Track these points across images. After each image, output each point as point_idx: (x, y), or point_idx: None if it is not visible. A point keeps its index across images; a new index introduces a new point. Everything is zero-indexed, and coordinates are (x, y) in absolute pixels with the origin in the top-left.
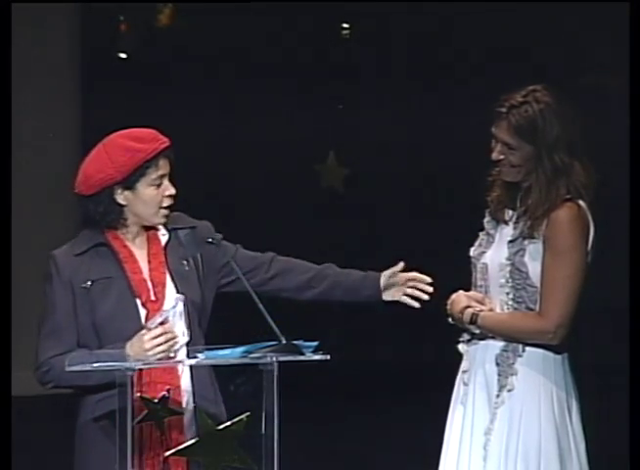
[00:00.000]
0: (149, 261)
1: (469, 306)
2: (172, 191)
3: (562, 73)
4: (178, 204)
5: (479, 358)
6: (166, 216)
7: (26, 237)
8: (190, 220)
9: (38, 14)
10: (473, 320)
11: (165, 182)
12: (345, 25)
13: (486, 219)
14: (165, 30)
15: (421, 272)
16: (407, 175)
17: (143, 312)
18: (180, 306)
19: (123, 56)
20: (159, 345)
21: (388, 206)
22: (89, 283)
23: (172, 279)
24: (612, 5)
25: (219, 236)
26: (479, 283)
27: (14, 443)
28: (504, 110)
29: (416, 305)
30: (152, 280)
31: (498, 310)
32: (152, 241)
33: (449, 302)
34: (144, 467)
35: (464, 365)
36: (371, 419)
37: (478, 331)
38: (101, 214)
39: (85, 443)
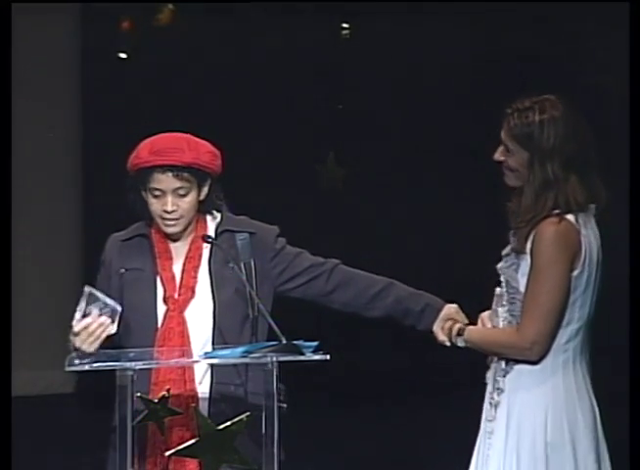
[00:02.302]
0: (183, 263)
1: (457, 321)
2: (167, 207)
3: (562, 73)
4: None
5: (490, 372)
6: (171, 227)
7: (26, 237)
8: (253, 225)
9: (38, 14)
10: (459, 333)
11: (167, 197)
12: (345, 25)
13: (511, 232)
14: (165, 30)
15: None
16: (407, 176)
17: (163, 308)
18: (89, 295)
19: (123, 56)
20: (85, 340)
21: (388, 206)
22: (122, 270)
23: (211, 282)
24: (612, 5)
25: (244, 236)
26: (501, 296)
27: (14, 443)
28: (509, 112)
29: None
30: (181, 281)
31: (501, 323)
32: (194, 242)
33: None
34: (146, 467)
35: (487, 378)
36: (370, 420)
37: (462, 345)
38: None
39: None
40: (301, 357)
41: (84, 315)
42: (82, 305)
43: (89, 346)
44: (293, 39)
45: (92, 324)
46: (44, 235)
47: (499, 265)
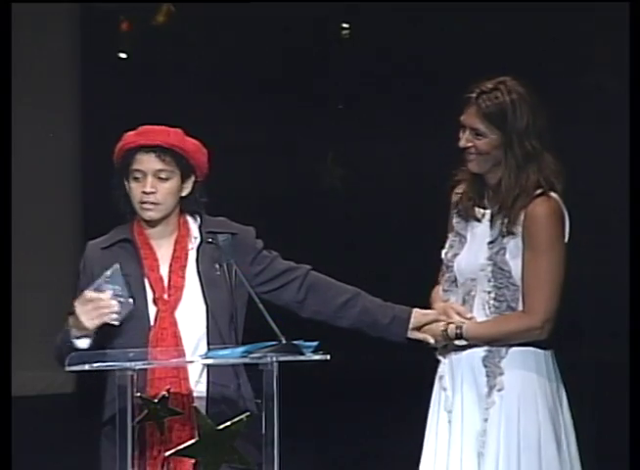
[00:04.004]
0: (170, 264)
1: (449, 323)
2: (146, 188)
3: (562, 73)
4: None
5: (465, 362)
6: (149, 212)
7: (26, 237)
8: (233, 226)
9: (38, 14)
10: (458, 335)
11: (148, 179)
12: (346, 25)
13: (455, 220)
14: (165, 30)
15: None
16: (407, 176)
17: (153, 310)
18: (116, 273)
19: (123, 56)
20: (89, 312)
21: (388, 207)
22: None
23: (200, 282)
24: (612, 5)
25: (226, 237)
26: (454, 285)
27: (14, 443)
28: (474, 95)
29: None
30: (169, 281)
31: (476, 311)
32: (179, 243)
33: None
34: (145, 468)
35: (441, 371)
36: (370, 420)
37: (465, 344)
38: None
39: (99, 449)
40: (301, 357)
41: (98, 289)
42: (102, 278)
43: (88, 320)
44: (293, 39)
45: (102, 300)
46: (44, 235)
47: (483, 262)
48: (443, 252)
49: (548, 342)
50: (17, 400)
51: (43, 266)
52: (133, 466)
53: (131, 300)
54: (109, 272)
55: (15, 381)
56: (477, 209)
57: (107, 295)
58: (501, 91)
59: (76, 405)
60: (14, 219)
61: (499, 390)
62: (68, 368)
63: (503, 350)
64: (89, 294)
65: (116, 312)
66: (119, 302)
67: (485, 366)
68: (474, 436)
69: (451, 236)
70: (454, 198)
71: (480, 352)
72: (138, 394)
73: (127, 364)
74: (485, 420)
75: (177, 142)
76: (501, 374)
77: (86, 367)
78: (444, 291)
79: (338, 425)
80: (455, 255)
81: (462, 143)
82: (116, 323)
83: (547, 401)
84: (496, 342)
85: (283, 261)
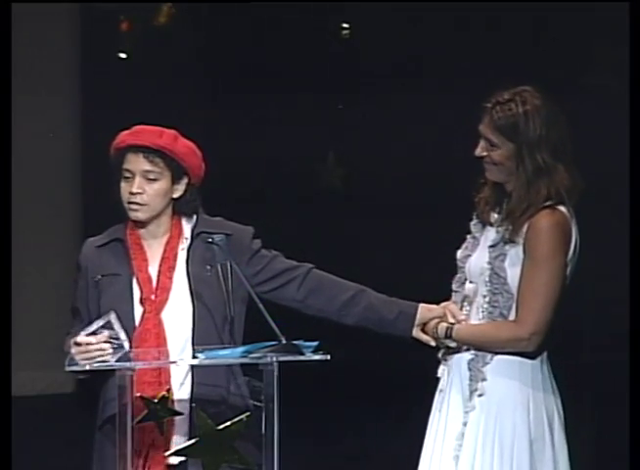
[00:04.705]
0: (160, 264)
1: (442, 321)
2: (132, 189)
3: (562, 73)
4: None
5: (455, 364)
6: (135, 212)
7: (26, 237)
8: (229, 226)
9: (38, 14)
10: (448, 334)
11: (135, 179)
12: (346, 25)
13: (473, 222)
14: (165, 30)
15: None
16: (407, 176)
17: (140, 310)
18: (111, 320)
19: (123, 56)
20: (81, 354)
21: (388, 206)
22: (99, 277)
23: (189, 284)
24: (612, 5)
25: (221, 237)
26: (463, 286)
27: (14, 443)
28: (489, 105)
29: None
30: (157, 282)
31: (474, 314)
32: (169, 244)
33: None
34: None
35: (439, 372)
36: (370, 420)
37: (454, 345)
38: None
39: (95, 451)
40: (301, 357)
41: (94, 332)
42: (99, 323)
43: (82, 361)
44: (293, 38)
45: (93, 345)
46: (44, 235)
47: (483, 265)
48: (459, 252)
49: (537, 352)
50: (17, 400)
51: (43, 266)
52: (133, 466)
53: (127, 343)
54: (103, 318)
55: (15, 381)
56: (492, 213)
57: (99, 338)
58: (515, 102)
59: (76, 405)
60: (14, 219)
61: (480, 395)
62: (68, 368)
63: (489, 356)
64: (80, 338)
65: (110, 354)
66: (113, 345)
67: (470, 370)
68: (453, 438)
69: (468, 237)
70: (475, 201)
71: (467, 355)
72: (138, 394)
73: (127, 364)
74: (465, 424)
75: (166, 144)
76: (483, 380)
77: (86, 367)
78: (453, 291)
79: (338, 425)
80: (468, 256)
81: (477, 151)
82: (111, 363)
83: (528, 413)
84: (483, 347)
85: (283, 261)
